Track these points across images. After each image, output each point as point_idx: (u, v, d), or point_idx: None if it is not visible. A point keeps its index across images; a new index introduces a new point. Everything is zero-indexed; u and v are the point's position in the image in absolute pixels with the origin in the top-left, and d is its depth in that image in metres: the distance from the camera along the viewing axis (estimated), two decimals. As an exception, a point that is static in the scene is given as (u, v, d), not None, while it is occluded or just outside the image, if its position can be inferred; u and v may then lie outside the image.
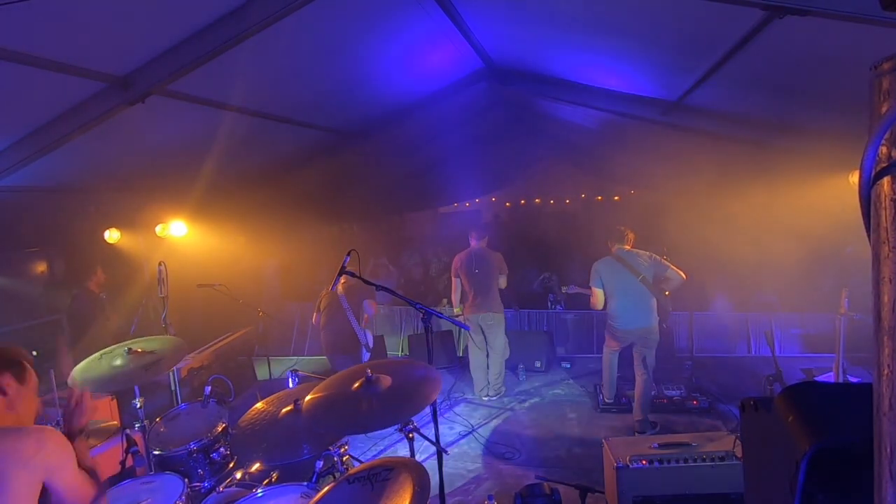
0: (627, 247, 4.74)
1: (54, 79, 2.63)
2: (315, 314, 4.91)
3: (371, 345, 4.79)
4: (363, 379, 2.23)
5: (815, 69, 2.66)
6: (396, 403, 2.15)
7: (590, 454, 4.29)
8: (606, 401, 5.14)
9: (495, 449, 4.50)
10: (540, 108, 6.45)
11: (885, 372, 0.75)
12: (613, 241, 4.81)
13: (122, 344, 3.00)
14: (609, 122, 5.45)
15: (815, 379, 5.33)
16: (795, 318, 6.87)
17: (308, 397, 2.24)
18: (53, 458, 1.58)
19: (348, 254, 2.97)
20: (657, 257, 4.63)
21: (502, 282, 5.54)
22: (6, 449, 1.53)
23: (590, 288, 4.81)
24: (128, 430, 2.89)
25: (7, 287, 5.72)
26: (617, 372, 5.05)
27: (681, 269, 4.55)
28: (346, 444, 2.67)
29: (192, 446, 2.79)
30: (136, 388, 3.11)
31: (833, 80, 2.65)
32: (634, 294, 4.57)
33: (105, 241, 5.48)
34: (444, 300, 7.69)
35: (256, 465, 2.71)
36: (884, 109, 0.75)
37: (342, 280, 4.82)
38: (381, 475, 1.99)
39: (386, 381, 2.24)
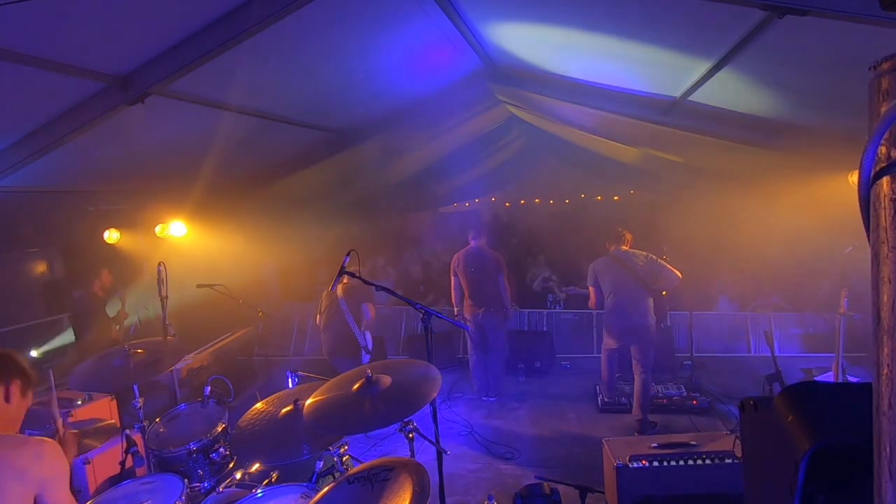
0: (625, 247, 4.77)
1: (54, 79, 2.64)
2: (317, 316, 4.90)
3: (371, 347, 4.77)
4: (363, 380, 2.23)
5: (814, 69, 2.66)
6: (397, 402, 2.15)
7: (590, 454, 4.29)
8: (605, 400, 5.14)
9: (495, 449, 4.50)
10: (540, 108, 6.45)
11: (885, 371, 0.75)
12: (611, 241, 4.85)
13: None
14: (609, 122, 5.45)
15: (815, 379, 5.33)
16: (795, 318, 6.87)
17: (308, 401, 2.24)
18: (49, 473, 1.51)
19: (348, 254, 2.97)
20: (653, 257, 4.65)
21: (502, 281, 5.50)
22: (4, 458, 1.47)
23: (587, 288, 4.86)
24: (127, 431, 2.89)
25: (7, 288, 5.72)
26: (616, 371, 5.06)
27: (678, 269, 4.56)
28: (346, 444, 2.67)
29: (192, 446, 2.79)
30: (136, 389, 3.11)
31: (832, 80, 2.65)
32: (630, 294, 4.60)
33: (105, 241, 5.48)
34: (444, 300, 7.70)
35: (256, 466, 2.71)
36: (883, 109, 0.75)
37: (342, 281, 4.81)
38: (381, 475, 1.99)
39: (386, 380, 2.25)
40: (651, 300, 4.63)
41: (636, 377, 4.71)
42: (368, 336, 4.76)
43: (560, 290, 7.84)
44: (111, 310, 5.59)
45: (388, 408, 2.13)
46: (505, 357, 5.67)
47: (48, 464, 1.52)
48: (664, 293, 4.77)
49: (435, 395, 2.19)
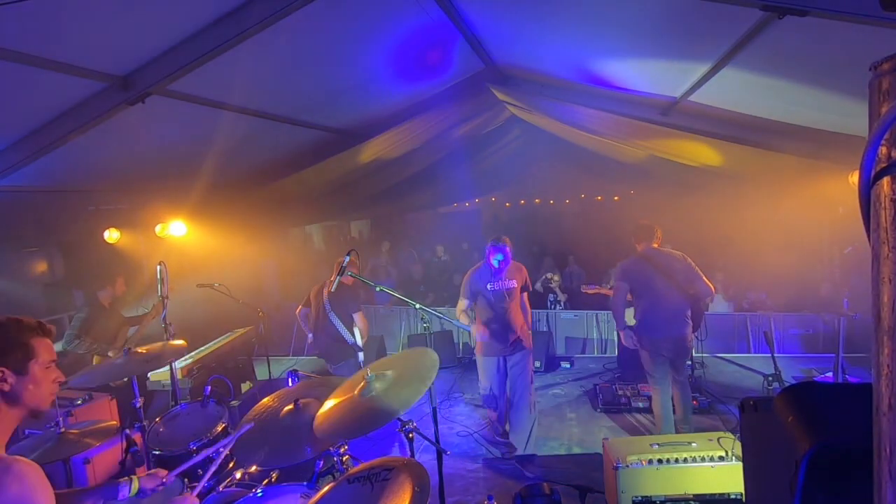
0: (656, 245, 4.28)
1: (54, 79, 2.63)
2: (300, 307, 4.80)
3: (360, 343, 4.64)
4: (364, 382, 2.23)
5: (814, 69, 2.66)
6: (403, 390, 2.15)
7: (590, 454, 4.29)
8: (604, 401, 4.95)
9: (495, 449, 4.50)
10: (540, 108, 6.45)
11: (885, 372, 0.75)
12: (640, 238, 4.29)
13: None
14: (608, 122, 5.45)
15: (815, 379, 5.33)
16: (795, 319, 6.88)
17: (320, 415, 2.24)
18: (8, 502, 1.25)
19: (348, 254, 2.98)
20: (690, 261, 4.17)
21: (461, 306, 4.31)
22: None
23: (610, 287, 4.44)
24: (127, 431, 2.89)
25: (7, 288, 5.70)
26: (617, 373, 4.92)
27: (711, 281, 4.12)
28: (346, 444, 2.67)
29: (192, 446, 2.79)
30: (136, 389, 3.12)
31: (832, 80, 2.65)
32: (667, 299, 4.10)
33: (105, 240, 5.47)
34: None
35: (256, 465, 2.71)
36: (883, 110, 0.75)
37: (329, 283, 4.78)
38: (381, 475, 1.99)
39: (389, 375, 2.24)
40: (689, 308, 4.14)
41: (674, 388, 4.28)
42: (357, 333, 4.66)
43: (563, 292, 7.84)
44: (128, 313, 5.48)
45: (395, 397, 2.13)
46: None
47: (8, 493, 1.26)
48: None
49: (435, 373, 2.20)
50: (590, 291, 5.61)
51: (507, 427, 4.45)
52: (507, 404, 4.42)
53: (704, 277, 4.11)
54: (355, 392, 2.22)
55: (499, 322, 4.18)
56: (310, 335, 4.80)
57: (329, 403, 2.26)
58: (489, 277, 4.19)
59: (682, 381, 4.29)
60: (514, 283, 4.22)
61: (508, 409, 4.42)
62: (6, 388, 1.41)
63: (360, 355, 4.67)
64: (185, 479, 2.50)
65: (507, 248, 4.16)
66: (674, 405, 4.31)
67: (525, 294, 4.37)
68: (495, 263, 4.14)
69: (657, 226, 4.30)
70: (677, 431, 4.17)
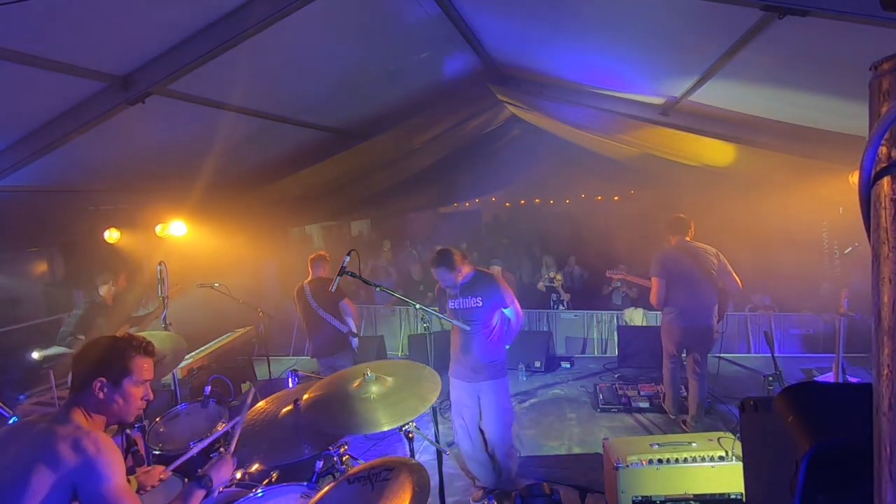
0: (689, 238, 4.35)
1: (54, 79, 2.64)
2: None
3: (353, 329, 4.77)
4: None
5: (814, 69, 2.66)
6: (396, 405, 2.15)
7: (590, 454, 4.29)
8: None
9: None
10: (540, 108, 6.45)
11: (885, 372, 0.75)
12: (674, 231, 4.36)
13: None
14: (609, 122, 5.45)
15: (815, 379, 5.33)
16: (795, 319, 6.88)
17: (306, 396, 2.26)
18: (86, 465, 1.46)
19: (348, 254, 2.97)
20: (722, 257, 4.26)
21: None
22: (44, 440, 1.46)
23: (650, 278, 4.38)
24: (128, 430, 2.90)
25: (7, 288, 5.70)
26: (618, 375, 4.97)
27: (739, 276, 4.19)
28: (346, 444, 2.67)
29: (192, 446, 2.79)
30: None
31: (833, 80, 2.65)
32: (701, 292, 4.22)
33: (105, 240, 5.46)
34: None
35: (256, 465, 2.71)
36: (884, 110, 0.75)
37: (308, 280, 4.82)
38: (381, 475, 1.99)
39: (386, 382, 2.25)
40: (717, 301, 4.26)
41: (692, 380, 4.39)
42: (350, 322, 4.74)
43: (566, 292, 7.83)
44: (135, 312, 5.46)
45: (389, 409, 2.14)
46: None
47: (87, 455, 1.47)
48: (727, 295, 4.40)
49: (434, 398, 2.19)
50: (615, 276, 5.58)
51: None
52: (480, 442, 3.72)
53: (734, 273, 4.19)
54: (352, 386, 2.23)
55: (460, 343, 3.54)
56: None
57: (322, 390, 2.28)
58: (451, 293, 3.54)
59: (701, 374, 4.34)
60: (479, 302, 3.45)
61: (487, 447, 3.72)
62: (101, 396, 1.63)
63: (355, 341, 4.74)
64: (186, 479, 2.50)
65: (446, 269, 3.35)
66: (687, 402, 4.40)
67: (507, 310, 3.57)
68: (443, 284, 3.51)
69: (692, 219, 4.35)
70: (688, 430, 4.26)
